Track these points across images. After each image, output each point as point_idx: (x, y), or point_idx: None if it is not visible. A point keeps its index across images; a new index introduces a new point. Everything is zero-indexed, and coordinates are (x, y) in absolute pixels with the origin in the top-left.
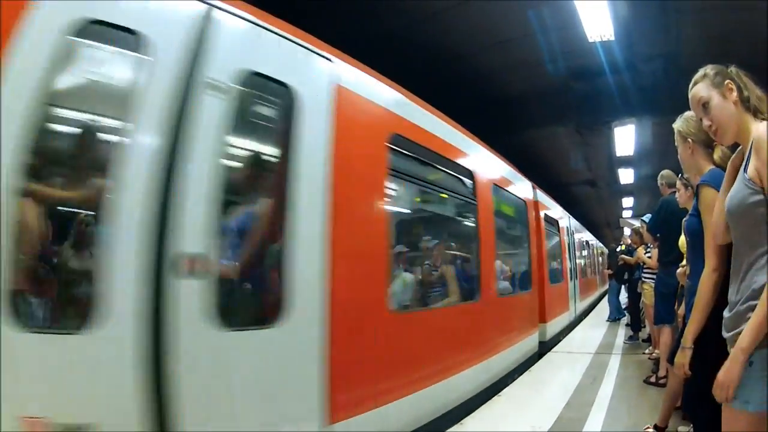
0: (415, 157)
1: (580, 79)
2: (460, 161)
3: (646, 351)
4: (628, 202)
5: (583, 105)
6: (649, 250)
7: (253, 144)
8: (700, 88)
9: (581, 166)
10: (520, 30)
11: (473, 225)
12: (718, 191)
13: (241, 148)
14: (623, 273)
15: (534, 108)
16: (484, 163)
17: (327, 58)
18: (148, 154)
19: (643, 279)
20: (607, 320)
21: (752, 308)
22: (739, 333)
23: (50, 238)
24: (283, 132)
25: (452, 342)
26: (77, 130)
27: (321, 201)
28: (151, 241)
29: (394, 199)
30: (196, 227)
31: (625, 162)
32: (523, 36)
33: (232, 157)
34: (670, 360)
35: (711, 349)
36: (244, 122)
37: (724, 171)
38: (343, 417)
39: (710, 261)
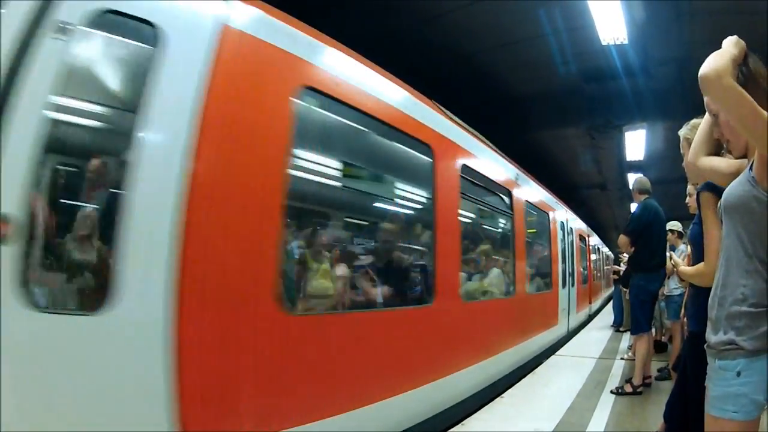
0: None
1: (593, 82)
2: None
3: (626, 356)
4: None
5: (594, 107)
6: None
7: None
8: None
9: (592, 169)
10: (532, 31)
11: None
12: (719, 197)
13: None
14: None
15: (545, 109)
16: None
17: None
18: None
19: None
20: (612, 326)
21: (740, 315)
22: (725, 343)
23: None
24: None
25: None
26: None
27: None
28: None
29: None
30: None
31: (636, 167)
32: (535, 37)
33: None
34: (674, 368)
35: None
36: None
37: None
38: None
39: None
